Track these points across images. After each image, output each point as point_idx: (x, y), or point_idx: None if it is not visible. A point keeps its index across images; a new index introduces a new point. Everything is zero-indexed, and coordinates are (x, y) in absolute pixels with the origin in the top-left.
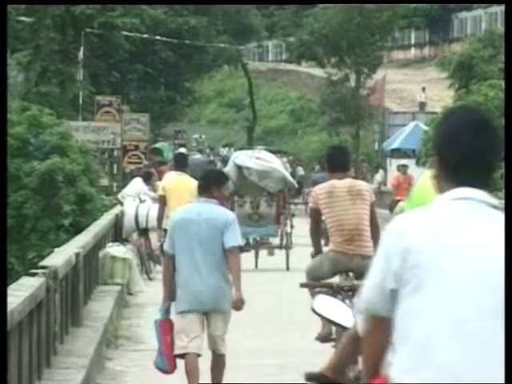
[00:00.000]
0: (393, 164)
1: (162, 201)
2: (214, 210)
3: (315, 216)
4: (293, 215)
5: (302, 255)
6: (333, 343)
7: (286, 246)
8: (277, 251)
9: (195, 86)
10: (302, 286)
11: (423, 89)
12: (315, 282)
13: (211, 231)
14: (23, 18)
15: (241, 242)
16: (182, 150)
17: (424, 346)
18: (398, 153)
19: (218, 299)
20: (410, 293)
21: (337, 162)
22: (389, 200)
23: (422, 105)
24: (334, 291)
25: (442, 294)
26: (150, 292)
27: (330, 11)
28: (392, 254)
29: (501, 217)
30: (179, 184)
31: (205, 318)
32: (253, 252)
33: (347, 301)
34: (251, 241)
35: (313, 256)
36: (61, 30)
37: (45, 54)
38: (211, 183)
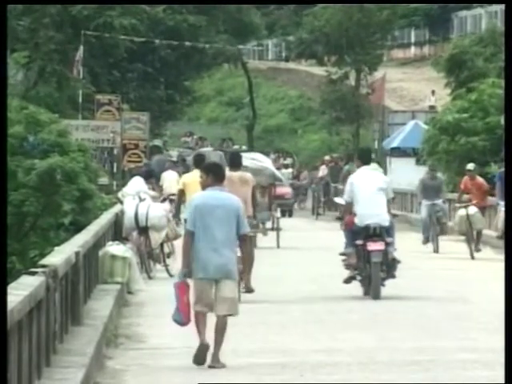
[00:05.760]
0: (392, 163)
1: (180, 194)
2: (229, 197)
3: None
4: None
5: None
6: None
7: (277, 229)
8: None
9: (195, 85)
10: None
11: (433, 92)
12: None
13: (228, 214)
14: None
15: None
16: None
17: (360, 208)
18: (397, 152)
19: (230, 269)
20: (351, 192)
21: (233, 162)
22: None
23: (432, 108)
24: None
25: (361, 192)
26: (150, 291)
27: (330, 10)
28: (349, 184)
29: (377, 172)
30: (197, 179)
31: (215, 284)
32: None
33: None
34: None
35: None
36: (59, 29)
37: (43, 53)
38: (223, 175)
